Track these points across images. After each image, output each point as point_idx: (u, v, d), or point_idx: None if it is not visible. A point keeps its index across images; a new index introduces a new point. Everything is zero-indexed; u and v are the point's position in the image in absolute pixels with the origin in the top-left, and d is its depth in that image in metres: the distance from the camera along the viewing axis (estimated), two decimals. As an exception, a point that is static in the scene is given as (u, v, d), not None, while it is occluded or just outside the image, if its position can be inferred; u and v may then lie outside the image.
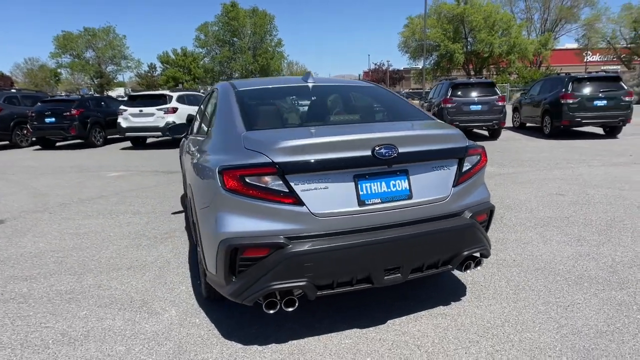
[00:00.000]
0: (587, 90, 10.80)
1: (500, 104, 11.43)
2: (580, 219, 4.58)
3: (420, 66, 51.29)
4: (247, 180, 2.20)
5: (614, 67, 42.24)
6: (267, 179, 2.20)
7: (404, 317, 2.71)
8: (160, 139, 14.64)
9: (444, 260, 2.51)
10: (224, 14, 44.14)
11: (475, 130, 12.80)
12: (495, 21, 40.42)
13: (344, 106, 3.24)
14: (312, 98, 3.32)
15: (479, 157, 2.68)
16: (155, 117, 12.57)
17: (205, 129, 3.43)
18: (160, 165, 9.55)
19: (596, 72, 11.65)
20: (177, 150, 12.63)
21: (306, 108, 3.36)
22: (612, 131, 11.43)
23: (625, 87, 10.97)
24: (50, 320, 2.82)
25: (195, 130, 4.08)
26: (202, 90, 31.22)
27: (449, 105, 11.49)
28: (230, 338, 2.53)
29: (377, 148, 2.28)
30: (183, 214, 5.42)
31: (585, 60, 45.35)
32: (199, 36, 46.45)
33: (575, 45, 45.27)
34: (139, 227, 4.90)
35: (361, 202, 2.29)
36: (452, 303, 2.88)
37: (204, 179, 2.52)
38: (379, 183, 2.34)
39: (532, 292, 2.99)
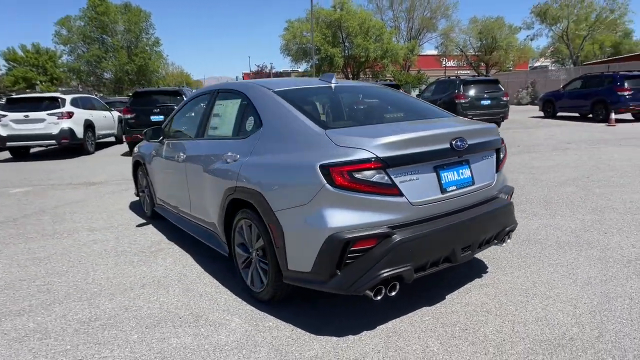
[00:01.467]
0: (474, 91, 12.59)
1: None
2: (523, 199, 5.48)
3: (302, 69, 52.94)
4: (355, 175, 2.30)
5: (466, 71, 48.93)
6: (371, 173, 2.33)
7: (456, 292, 3.05)
8: (49, 147, 12.84)
9: (494, 236, 2.91)
10: (91, 7, 39.76)
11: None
12: (369, 28, 43.66)
13: (385, 105, 3.45)
14: (353, 98, 3.45)
15: (504, 147, 3.15)
16: (47, 124, 11.00)
17: (231, 131, 3.32)
18: (72, 177, 8.47)
19: (478, 75, 13.59)
20: (79, 159, 11.24)
21: (354, 107, 3.47)
22: (493, 126, 13.45)
23: (503, 89, 13.07)
24: (102, 350, 2.51)
25: (195, 134, 3.86)
26: (80, 90, 27.25)
27: (362, 106, 12.43)
28: (321, 334, 2.58)
29: (453, 141, 2.58)
30: (151, 225, 5.01)
31: (443, 65, 51.71)
32: (60, 31, 41.08)
33: (435, 52, 51.30)
34: (111, 244, 4.42)
35: (443, 190, 2.57)
36: (484, 275, 3.31)
37: (290, 178, 2.52)
38: (452, 172, 2.64)
39: (535, 259, 3.58)
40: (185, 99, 11.22)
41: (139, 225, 5.05)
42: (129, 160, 6.87)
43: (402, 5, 49.00)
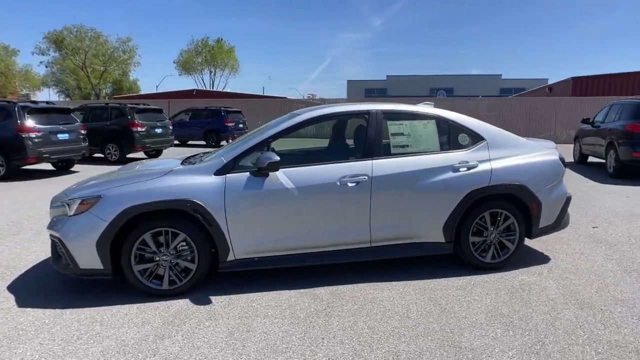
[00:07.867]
0: (146, 118, 12.74)
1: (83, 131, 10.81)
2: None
3: None
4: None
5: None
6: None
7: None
8: None
9: None
10: None
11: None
12: None
13: None
14: None
15: None
16: None
17: (437, 146, 3.91)
18: None
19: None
20: None
21: None
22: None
23: (167, 118, 13.63)
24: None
25: (365, 154, 3.77)
26: None
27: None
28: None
29: None
30: (216, 297, 3.44)
31: None
32: None
33: None
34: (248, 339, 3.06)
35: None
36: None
37: (542, 170, 4.03)
38: None
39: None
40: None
41: (198, 302, 3.33)
42: None
43: None
